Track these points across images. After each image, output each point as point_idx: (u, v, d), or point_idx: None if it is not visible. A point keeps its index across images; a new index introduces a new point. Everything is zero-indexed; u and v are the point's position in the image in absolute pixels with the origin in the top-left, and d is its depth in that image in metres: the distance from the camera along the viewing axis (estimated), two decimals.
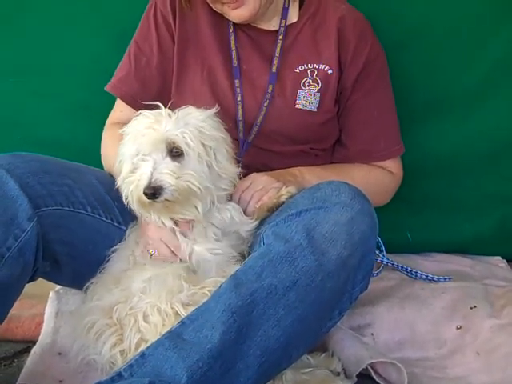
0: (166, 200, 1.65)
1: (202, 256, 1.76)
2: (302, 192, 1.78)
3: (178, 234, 1.78)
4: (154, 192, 1.63)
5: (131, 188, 1.69)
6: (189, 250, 1.77)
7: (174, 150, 1.68)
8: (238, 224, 1.80)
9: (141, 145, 1.69)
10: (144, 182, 1.65)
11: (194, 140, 1.67)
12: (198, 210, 1.72)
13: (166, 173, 1.65)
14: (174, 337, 1.48)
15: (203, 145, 1.69)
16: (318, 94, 2.01)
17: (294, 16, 2.06)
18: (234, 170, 1.77)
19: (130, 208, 1.77)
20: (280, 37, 2.03)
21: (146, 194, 1.64)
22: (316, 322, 1.59)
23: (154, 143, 1.68)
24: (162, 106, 1.73)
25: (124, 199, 1.74)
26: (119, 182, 1.75)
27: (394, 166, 2.13)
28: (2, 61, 2.38)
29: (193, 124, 1.70)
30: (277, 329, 1.50)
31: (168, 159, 1.67)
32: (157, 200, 1.65)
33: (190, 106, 1.75)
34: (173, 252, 1.78)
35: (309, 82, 2.01)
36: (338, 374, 1.75)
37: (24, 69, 2.38)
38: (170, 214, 1.74)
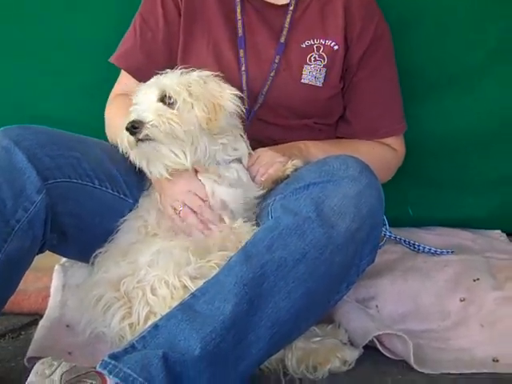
0: (148, 137, 1.68)
1: (225, 193, 1.79)
2: (308, 165, 1.79)
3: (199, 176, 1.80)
4: (133, 125, 1.68)
5: (122, 132, 1.74)
6: (210, 190, 1.79)
7: (167, 100, 1.72)
8: (245, 184, 1.81)
9: (138, 97, 1.78)
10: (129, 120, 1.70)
11: (183, 89, 1.72)
12: (186, 157, 1.73)
13: (150, 110, 1.70)
14: (186, 309, 1.49)
15: (189, 94, 1.72)
16: (324, 70, 2.01)
17: None
18: (229, 135, 1.80)
19: (136, 177, 1.82)
20: (291, 8, 2.02)
21: (127, 129, 1.68)
22: (324, 294, 1.61)
23: (147, 88, 1.75)
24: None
25: (120, 149, 1.77)
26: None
27: (396, 143, 2.15)
28: (14, 40, 2.37)
29: (186, 77, 1.75)
30: (287, 301, 1.52)
31: (160, 104, 1.72)
32: (138, 136, 1.68)
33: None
34: (202, 200, 1.79)
35: (315, 58, 2.00)
36: (345, 344, 1.77)
37: (35, 47, 2.37)
38: (160, 160, 1.74)
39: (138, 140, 1.70)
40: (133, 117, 1.71)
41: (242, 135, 1.84)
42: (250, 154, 1.86)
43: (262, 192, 1.82)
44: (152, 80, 1.79)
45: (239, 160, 1.84)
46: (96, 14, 2.35)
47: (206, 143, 1.75)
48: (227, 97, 1.77)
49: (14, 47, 2.38)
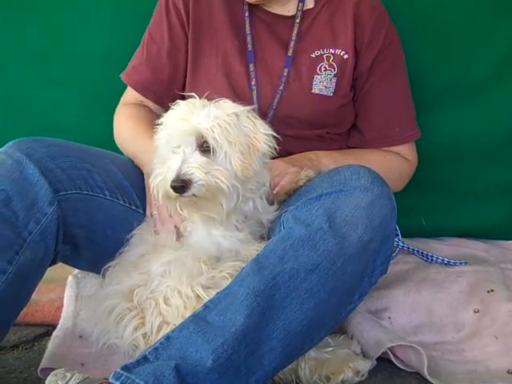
0: (194, 195, 1.63)
1: (218, 241, 1.76)
2: (320, 176, 1.78)
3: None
4: (182, 185, 1.60)
5: (158, 180, 1.67)
6: (206, 233, 1.77)
7: (205, 145, 1.64)
8: (260, 213, 1.79)
9: (171, 136, 1.67)
10: (172, 175, 1.62)
11: (221, 136, 1.63)
12: (222, 208, 1.69)
13: (196, 167, 1.61)
14: (198, 320, 1.49)
15: (228, 142, 1.64)
16: (335, 79, 2.01)
17: (310, 2, 2.07)
18: (259, 173, 1.73)
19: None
20: (297, 20, 2.03)
21: (173, 187, 1.61)
22: (337, 305, 1.59)
23: (183, 135, 1.65)
24: (196, 96, 1.71)
25: (151, 191, 1.71)
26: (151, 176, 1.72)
27: (409, 152, 2.14)
28: (18, 49, 2.41)
29: (222, 118, 1.65)
30: (299, 312, 1.51)
31: (197, 153, 1.64)
32: (184, 194, 1.62)
33: (226, 99, 1.71)
34: (171, 218, 1.79)
35: (325, 67, 2.01)
36: (358, 355, 1.76)
37: (39, 57, 2.40)
38: (196, 210, 1.72)
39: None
40: (175, 172, 1.61)
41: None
42: None
43: (277, 212, 1.80)
44: (185, 123, 1.65)
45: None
46: (104, 25, 2.38)
47: (240, 191, 1.69)
48: (262, 138, 1.69)
49: (24, 59, 2.41)
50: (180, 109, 1.70)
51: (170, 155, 1.67)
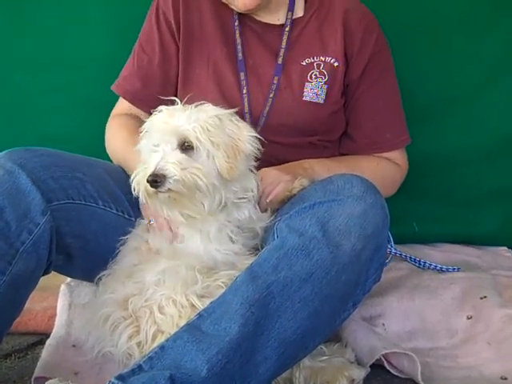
0: (170, 190, 1.64)
1: (214, 255, 1.76)
2: (313, 184, 1.79)
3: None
4: (155, 179, 1.62)
5: (138, 177, 1.69)
6: (201, 247, 1.77)
7: (186, 144, 1.66)
8: (254, 221, 1.80)
9: (151, 136, 1.70)
10: (149, 171, 1.64)
11: (203, 135, 1.65)
12: (204, 208, 1.70)
13: (172, 162, 1.63)
14: (192, 329, 1.49)
15: (211, 142, 1.66)
16: (325, 86, 2.02)
17: (299, 10, 2.07)
18: (244, 176, 1.75)
19: (138, 200, 1.76)
20: (286, 29, 2.04)
21: (149, 181, 1.63)
22: (331, 313, 1.60)
23: (163, 134, 1.67)
24: (178, 100, 1.73)
25: (132, 190, 1.72)
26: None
27: (400, 157, 2.15)
28: (14, 57, 2.41)
29: (203, 119, 1.68)
30: (293, 321, 1.51)
31: (177, 151, 1.66)
32: (160, 189, 1.64)
33: (207, 103, 1.73)
34: (170, 228, 1.79)
35: (315, 75, 2.02)
36: (352, 363, 1.76)
37: (34, 65, 2.40)
38: (177, 208, 1.72)
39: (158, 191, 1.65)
40: (152, 167, 1.63)
41: (252, 170, 1.80)
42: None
43: (270, 220, 1.80)
44: (166, 125, 1.68)
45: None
46: (102, 33, 2.39)
47: (223, 192, 1.71)
48: (246, 139, 1.71)
49: (19, 66, 2.41)
50: (161, 113, 1.71)
51: (151, 155, 1.69)
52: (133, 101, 2.09)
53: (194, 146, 1.66)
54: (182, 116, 1.68)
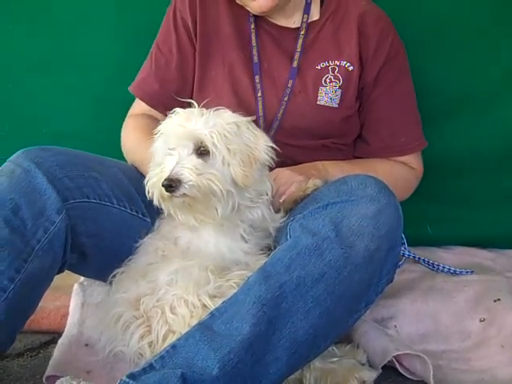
0: (185, 195, 1.64)
1: (223, 251, 1.77)
2: (327, 185, 1.79)
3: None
4: (170, 184, 1.62)
5: (153, 181, 1.70)
6: (212, 242, 1.77)
7: (202, 149, 1.66)
8: (267, 221, 1.80)
9: (167, 139, 1.70)
10: (164, 175, 1.64)
11: (220, 142, 1.65)
12: (217, 213, 1.70)
13: (188, 167, 1.63)
14: (204, 328, 1.49)
15: (228, 149, 1.66)
16: (340, 91, 2.02)
17: (315, 14, 2.08)
18: (257, 183, 1.74)
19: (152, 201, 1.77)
20: (302, 32, 2.04)
21: (164, 186, 1.63)
22: (343, 314, 1.59)
23: (180, 139, 1.67)
24: (195, 104, 1.73)
25: (146, 193, 1.73)
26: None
27: (415, 161, 2.15)
28: (28, 57, 2.42)
29: (221, 125, 1.67)
30: (305, 321, 1.51)
31: (193, 156, 1.66)
32: (175, 194, 1.64)
33: (224, 108, 1.73)
34: None
35: (330, 79, 2.02)
36: (363, 364, 1.75)
37: (48, 65, 2.42)
38: (190, 213, 1.72)
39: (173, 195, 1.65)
40: (168, 172, 1.63)
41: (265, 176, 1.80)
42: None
43: (283, 220, 1.80)
44: (182, 129, 1.68)
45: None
46: (115, 33, 2.41)
47: (236, 198, 1.71)
48: (262, 148, 1.71)
49: (33, 67, 2.43)
50: (178, 116, 1.72)
51: (166, 158, 1.69)
52: (150, 102, 2.11)
53: (210, 151, 1.66)
54: (199, 120, 1.68)
